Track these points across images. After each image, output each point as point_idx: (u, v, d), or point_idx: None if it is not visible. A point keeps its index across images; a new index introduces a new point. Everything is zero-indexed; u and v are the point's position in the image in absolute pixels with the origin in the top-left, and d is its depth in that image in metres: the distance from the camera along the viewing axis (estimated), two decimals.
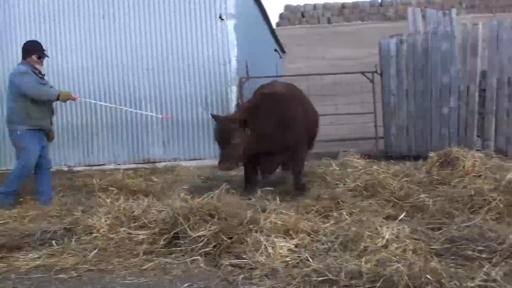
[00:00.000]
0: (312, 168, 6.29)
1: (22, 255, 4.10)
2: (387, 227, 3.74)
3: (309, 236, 4.03)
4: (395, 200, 5.08)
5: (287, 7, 29.89)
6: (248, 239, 3.84)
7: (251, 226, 3.97)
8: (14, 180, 5.87)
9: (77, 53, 9.27)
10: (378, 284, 3.06)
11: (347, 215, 4.47)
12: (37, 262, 3.95)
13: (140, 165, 8.67)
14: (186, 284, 3.43)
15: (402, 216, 4.32)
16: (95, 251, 3.99)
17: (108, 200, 4.78)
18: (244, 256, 3.70)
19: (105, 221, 4.32)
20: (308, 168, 6.28)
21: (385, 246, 3.53)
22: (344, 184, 5.50)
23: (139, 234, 4.19)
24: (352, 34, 24.93)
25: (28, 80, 5.81)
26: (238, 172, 6.23)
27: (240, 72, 9.46)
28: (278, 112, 5.58)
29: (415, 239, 3.76)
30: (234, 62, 9.17)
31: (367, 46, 18.53)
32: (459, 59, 8.61)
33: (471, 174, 5.48)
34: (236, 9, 9.29)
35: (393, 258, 3.36)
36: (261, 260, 3.61)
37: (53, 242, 4.21)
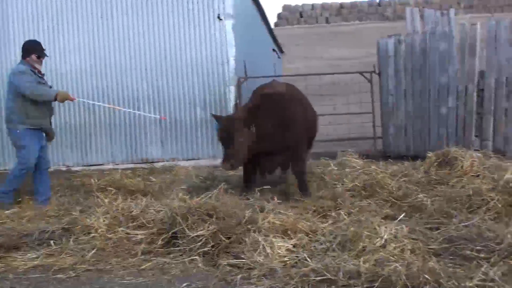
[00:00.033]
0: (310, 168, 6.29)
1: (20, 255, 4.10)
2: (385, 227, 3.75)
3: (307, 236, 4.03)
4: (393, 200, 5.09)
5: (286, 7, 29.94)
6: (247, 239, 3.84)
7: (249, 226, 3.98)
8: (14, 179, 5.87)
9: (75, 53, 9.25)
10: (376, 284, 3.06)
11: (345, 215, 4.47)
12: (35, 262, 3.94)
13: (138, 165, 8.66)
14: (184, 284, 3.43)
15: (401, 216, 4.32)
16: (93, 251, 3.99)
17: (106, 200, 4.79)
18: (242, 256, 3.70)
19: (103, 221, 4.33)
20: (307, 168, 6.27)
21: (383, 246, 3.53)
22: (342, 184, 5.51)
23: (137, 234, 4.20)
24: (350, 34, 25.00)
25: (27, 80, 5.80)
26: (236, 172, 6.23)
27: (238, 72, 9.45)
28: (278, 112, 5.57)
29: (413, 239, 3.76)
30: (232, 62, 9.16)
31: (365, 46, 18.58)
32: (457, 59, 8.59)
33: (469, 174, 5.48)
34: (234, 9, 9.28)
35: (391, 258, 3.37)
36: (259, 260, 3.61)
37: (51, 242, 4.20)
